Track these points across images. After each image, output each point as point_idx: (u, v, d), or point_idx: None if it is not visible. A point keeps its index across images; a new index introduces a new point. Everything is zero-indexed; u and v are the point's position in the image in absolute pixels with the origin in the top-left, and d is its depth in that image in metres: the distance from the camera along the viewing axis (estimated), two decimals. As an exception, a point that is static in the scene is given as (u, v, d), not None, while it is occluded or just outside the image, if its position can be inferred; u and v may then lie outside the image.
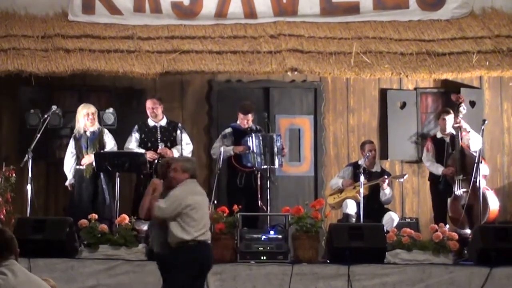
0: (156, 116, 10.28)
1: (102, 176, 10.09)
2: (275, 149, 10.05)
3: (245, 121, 10.29)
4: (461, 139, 10.09)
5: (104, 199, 10.08)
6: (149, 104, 10.32)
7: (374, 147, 10.41)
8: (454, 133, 10.17)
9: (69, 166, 10.26)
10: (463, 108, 10.13)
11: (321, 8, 11.48)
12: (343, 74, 10.85)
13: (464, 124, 10.15)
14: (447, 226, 9.57)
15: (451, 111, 10.32)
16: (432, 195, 10.58)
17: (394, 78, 11.44)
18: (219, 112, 11.50)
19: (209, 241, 7.42)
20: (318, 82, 11.64)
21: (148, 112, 10.30)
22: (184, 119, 11.24)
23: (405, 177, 10.58)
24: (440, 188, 10.22)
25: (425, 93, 11.77)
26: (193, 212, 7.22)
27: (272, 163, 10.02)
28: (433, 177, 10.42)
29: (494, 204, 9.90)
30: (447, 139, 10.32)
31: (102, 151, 10.07)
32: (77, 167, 10.19)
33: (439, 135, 10.50)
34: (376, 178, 10.21)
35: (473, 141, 10.10)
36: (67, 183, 10.30)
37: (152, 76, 10.77)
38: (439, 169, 10.24)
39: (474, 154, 9.84)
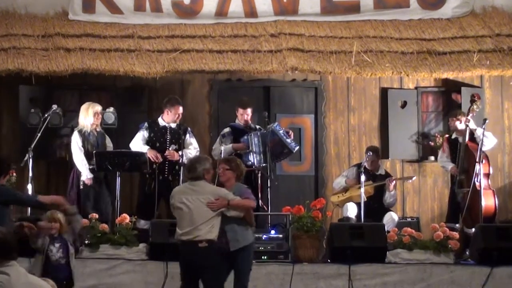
0: (178, 121, 10.19)
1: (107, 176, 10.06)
2: (283, 136, 10.01)
3: (245, 116, 10.26)
4: (468, 137, 10.02)
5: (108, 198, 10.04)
6: (179, 109, 10.12)
7: (374, 157, 10.35)
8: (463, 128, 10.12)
9: (84, 161, 9.95)
10: (477, 107, 10.09)
11: (321, 7, 11.48)
12: (343, 73, 10.84)
13: (471, 125, 10.06)
14: (457, 225, 9.64)
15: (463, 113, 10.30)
16: (449, 193, 10.52)
17: (394, 77, 11.45)
18: (219, 111, 11.50)
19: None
20: (319, 81, 11.64)
21: (173, 116, 10.09)
22: (185, 119, 11.21)
23: (413, 178, 10.66)
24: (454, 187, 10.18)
25: (425, 92, 11.76)
26: None
27: (288, 151, 10.09)
28: (452, 176, 10.38)
29: (489, 201, 9.85)
30: (461, 139, 10.26)
31: (102, 150, 10.03)
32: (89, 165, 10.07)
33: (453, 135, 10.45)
34: (380, 181, 10.23)
35: (487, 142, 10.00)
36: (86, 178, 9.93)
37: (153, 75, 10.77)
38: (448, 167, 10.26)
39: (482, 153, 9.80)
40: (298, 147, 10.35)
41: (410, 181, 10.83)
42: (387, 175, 10.41)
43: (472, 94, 10.29)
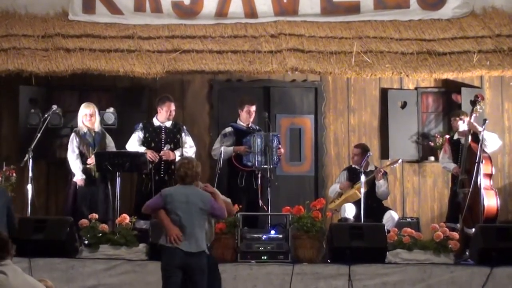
0: (171, 118, 10.20)
1: (107, 176, 10.08)
2: (273, 149, 10.02)
3: (252, 112, 10.26)
4: (471, 138, 10.00)
5: (108, 199, 10.06)
6: (170, 106, 10.15)
7: (358, 152, 10.41)
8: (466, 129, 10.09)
9: (77, 162, 10.04)
10: (480, 108, 10.07)
11: (321, 7, 11.48)
12: (343, 74, 10.84)
13: (476, 125, 10.05)
14: (458, 224, 9.64)
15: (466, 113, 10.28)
16: (450, 193, 10.52)
17: (394, 78, 11.45)
18: (219, 111, 11.50)
19: None
20: (319, 81, 11.64)
21: (166, 113, 10.13)
22: (185, 119, 11.24)
23: (399, 161, 10.60)
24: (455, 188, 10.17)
25: (425, 93, 11.77)
26: None
27: (270, 162, 10.00)
28: (453, 177, 10.38)
29: (491, 202, 9.84)
30: (463, 140, 10.24)
31: (102, 151, 10.03)
32: (82, 166, 10.09)
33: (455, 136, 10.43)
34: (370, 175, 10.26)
35: (490, 143, 10.00)
36: (78, 179, 10.02)
37: (153, 76, 10.78)
38: (451, 167, 10.25)
39: (485, 154, 9.79)
40: (275, 167, 10.33)
41: (396, 164, 10.70)
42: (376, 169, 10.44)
43: (476, 94, 10.27)
